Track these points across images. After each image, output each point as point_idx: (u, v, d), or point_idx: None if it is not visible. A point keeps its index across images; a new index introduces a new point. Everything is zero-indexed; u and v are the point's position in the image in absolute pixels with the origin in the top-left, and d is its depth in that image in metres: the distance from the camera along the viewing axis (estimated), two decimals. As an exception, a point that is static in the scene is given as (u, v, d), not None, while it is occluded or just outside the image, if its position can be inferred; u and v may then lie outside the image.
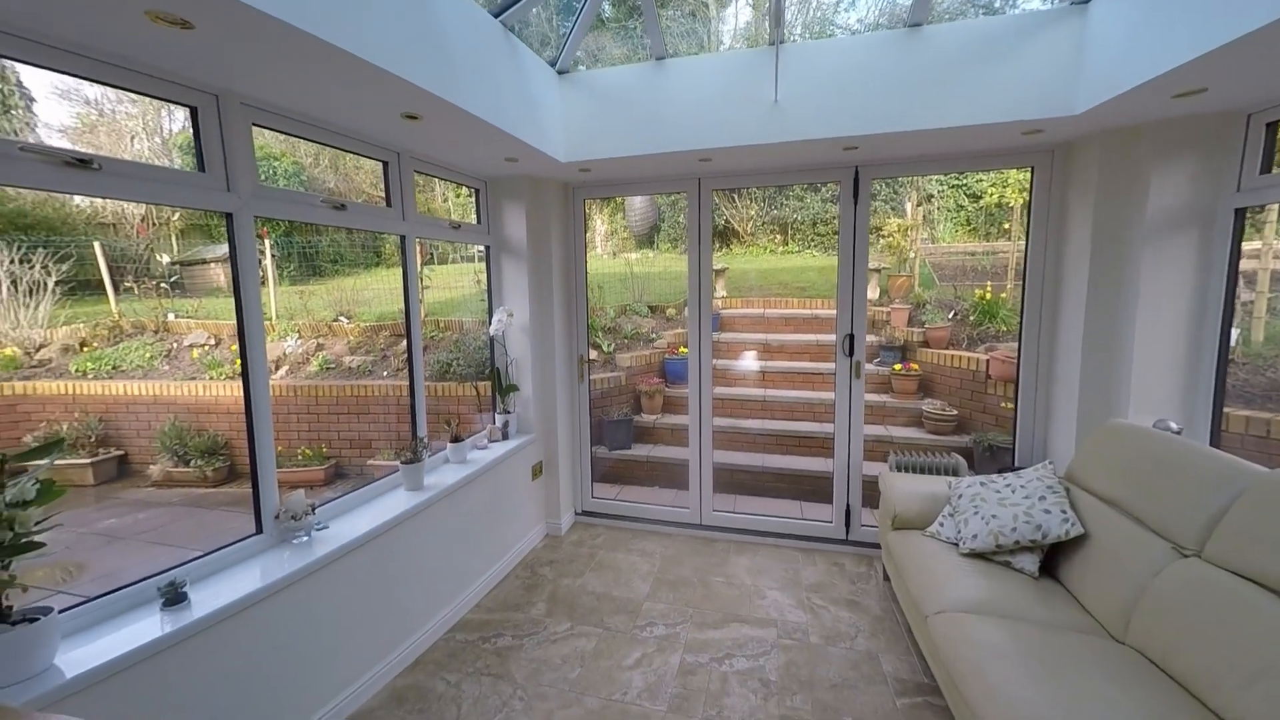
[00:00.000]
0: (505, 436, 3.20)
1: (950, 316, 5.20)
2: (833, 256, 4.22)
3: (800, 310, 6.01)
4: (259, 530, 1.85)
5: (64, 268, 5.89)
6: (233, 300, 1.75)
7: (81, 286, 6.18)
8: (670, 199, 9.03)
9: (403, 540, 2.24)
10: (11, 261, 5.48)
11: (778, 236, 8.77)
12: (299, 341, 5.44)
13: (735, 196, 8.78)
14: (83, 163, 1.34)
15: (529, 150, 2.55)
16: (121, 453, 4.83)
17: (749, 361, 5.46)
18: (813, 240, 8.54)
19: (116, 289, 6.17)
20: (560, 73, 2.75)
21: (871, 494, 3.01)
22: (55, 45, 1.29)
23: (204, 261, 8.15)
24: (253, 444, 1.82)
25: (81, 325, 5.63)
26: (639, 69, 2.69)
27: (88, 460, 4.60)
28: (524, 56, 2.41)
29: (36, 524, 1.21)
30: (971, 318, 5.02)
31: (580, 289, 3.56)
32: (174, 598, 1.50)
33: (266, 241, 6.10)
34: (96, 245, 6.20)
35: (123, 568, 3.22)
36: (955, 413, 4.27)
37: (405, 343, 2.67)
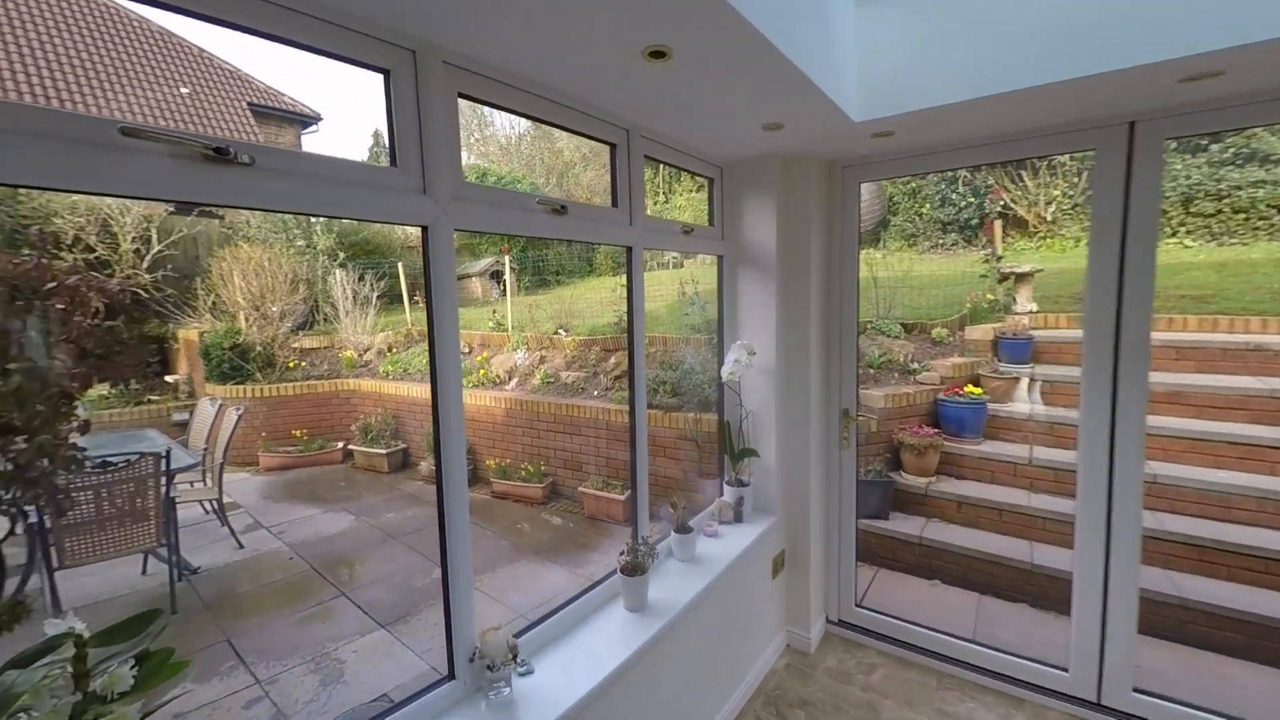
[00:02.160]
0: (738, 517, 2.37)
1: None
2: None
3: (1211, 335, 3.65)
4: (450, 675, 1.39)
5: (381, 284, 7.53)
6: (426, 322, 1.32)
7: (392, 300, 7.86)
8: (901, 188, 6.99)
9: (624, 691, 1.59)
10: (353, 281, 7.19)
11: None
12: (527, 354, 5.71)
13: (1023, 171, 6.25)
14: (221, 154, 0.88)
15: (814, 102, 1.62)
16: (405, 446, 5.76)
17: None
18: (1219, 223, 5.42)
19: (411, 302, 7.63)
20: (860, -16, 1.74)
21: None
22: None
23: (467, 276, 9.75)
24: (446, 561, 1.35)
25: (388, 333, 7.03)
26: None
27: (384, 451, 5.57)
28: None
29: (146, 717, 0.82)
30: None
31: (847, 316, 2.49)
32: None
33: (506, 258, 6.64)
34: (400, 265, 7.76)
35: (391, 573, 3.52)
36: None
37: (628, 393, 2.06)
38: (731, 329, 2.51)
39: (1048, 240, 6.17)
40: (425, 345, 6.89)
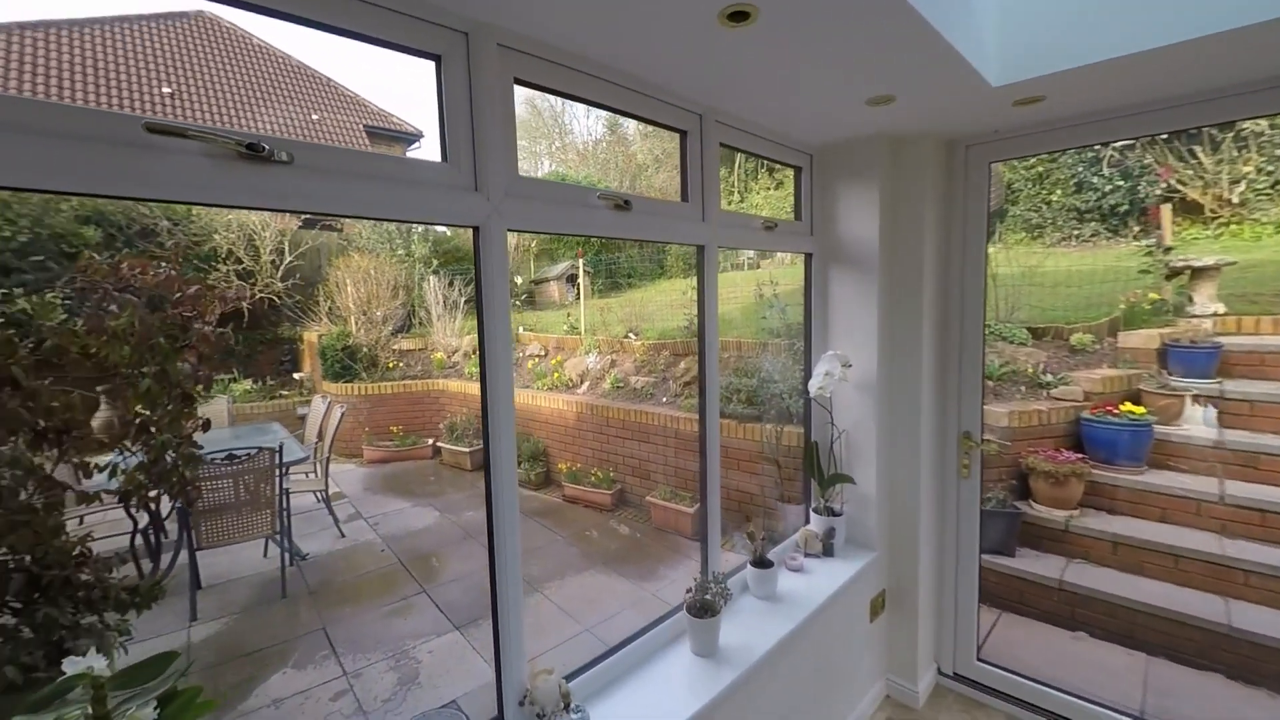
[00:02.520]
0: (828, 551, 2.08)
1: None
2: None
3: None
4: (500, 717, 1.29)
5: (469, 289, 7.99)
6: (482, 325, 1.22)
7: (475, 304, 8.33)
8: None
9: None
10: (443, 286, 7.69)
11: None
12: (598, 358, 5.70)
13: (1196, 146, 5.07)
14: (255, 151, 0.80)
15: (941, 64, 1.32)
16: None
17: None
18: None
19: (491, 308, 8.01)
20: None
21: None
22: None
23: (544, 280, 10.08)
24: (495, 591, 1.25)
25: (473, 335, 7.41)
26: None
27: (467, 449, 5.85)
28: None
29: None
30: None
31: (970, 322, 2.09)
32: None
33: (581, 261, 6.70)
34: (482, 275, 8.18)
35: (468, 572, 3.63)
36: None
37: (699, 401, 1.87)
38: (821, 337, 2.21)
39: (1232, 227, 4.96)
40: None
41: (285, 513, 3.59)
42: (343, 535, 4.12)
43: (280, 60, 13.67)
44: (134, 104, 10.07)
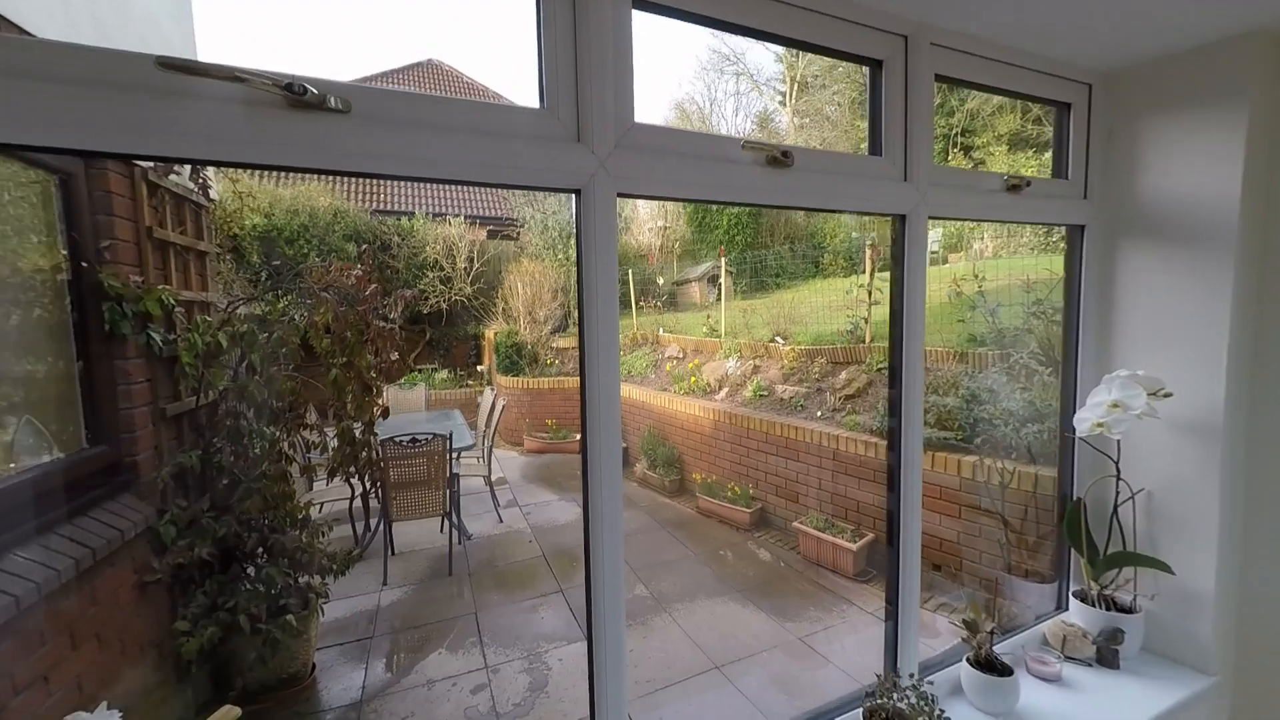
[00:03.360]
0: (1107, 661, 1.44)
1: None
2: None
3: None
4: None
5: (619, 289, 8.30)
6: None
7: (622, 305, 8.62)
8: None
9: None
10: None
11: None
12: (739, 362, 5.32)
13: None
14: (298, 95, 0.66)
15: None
16: (625, 445, 6.17)
17: None
18: None
19: (638, 307, 8.20)
20: None
21: None
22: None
23: (686, 281, 9.96)
24: (591, 632, 1.03)
25: (624, 334, 7.69)
26: None
27: (607, 445, 6.09)
28: None
29: None
30: None
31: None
32: None
33: (723, 260, 6.35)
34: (629, 272, 8.40)
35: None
36: None
37: (892, 422, 1.50)
38: (1098, 349, 1.55)
39: None
40: (647, 349, 7.31)
41: (456, 494, 4.13)
42: (501, 520, 4.59)
43: (481, 92, 16.06)
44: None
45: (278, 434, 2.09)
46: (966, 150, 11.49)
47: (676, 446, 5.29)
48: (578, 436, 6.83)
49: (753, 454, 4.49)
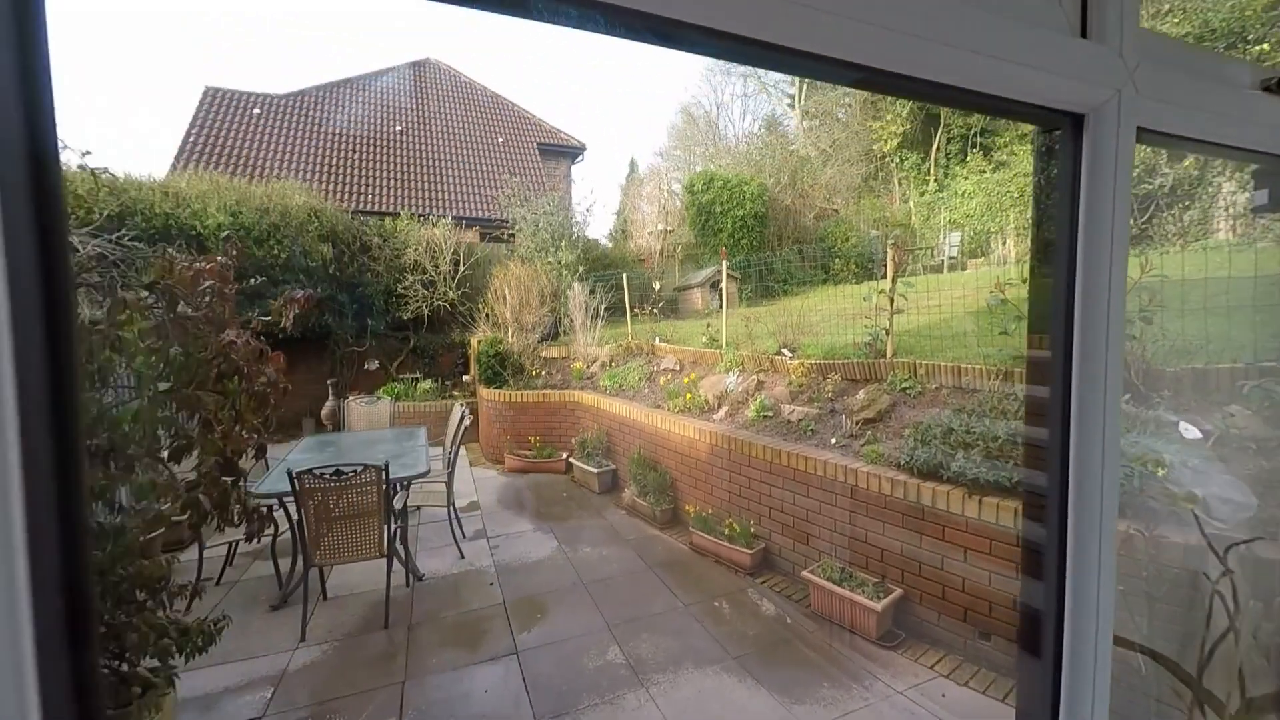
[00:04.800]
0: None
1: None
2: None
3: None
4: None
5: (609, 296, 7.73)
6: None
7: (615, 312, 8.04)
8: None
9: None
10: (584, 293, 7.56)
11: None
12: (740, 377, 4.70)
13: None
14: None
15: None
16: (614, 468, 5.55)
17: None
18: None
19: (633, 314, 7.61)
20: None
21: None
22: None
23: (687, 287, 9.38)
24: None
25: (611, 345, 7.09)
26: None
27: (596, 470, 5.46)
28: None
29: None
30: None
31: None
32: None
33: (724, 264, 5.76)
34: (625, 277, 7.83)
35: (565, 635, 3.09)
36: None
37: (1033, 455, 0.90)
38: None
39: None
40: (641, 360, 6.69)
41: (405, 529, 3.53)
42: (462, 556, 3.98)
43: (479, 90, 15.71)
44: (376, 141, 12.55)
45: (102, 479, 1.51)
46: (986, 151, 10.88)
47: (669, 472, 4.67)
48: (564, 455, 6.26)
49: (755, 485, 3.85)
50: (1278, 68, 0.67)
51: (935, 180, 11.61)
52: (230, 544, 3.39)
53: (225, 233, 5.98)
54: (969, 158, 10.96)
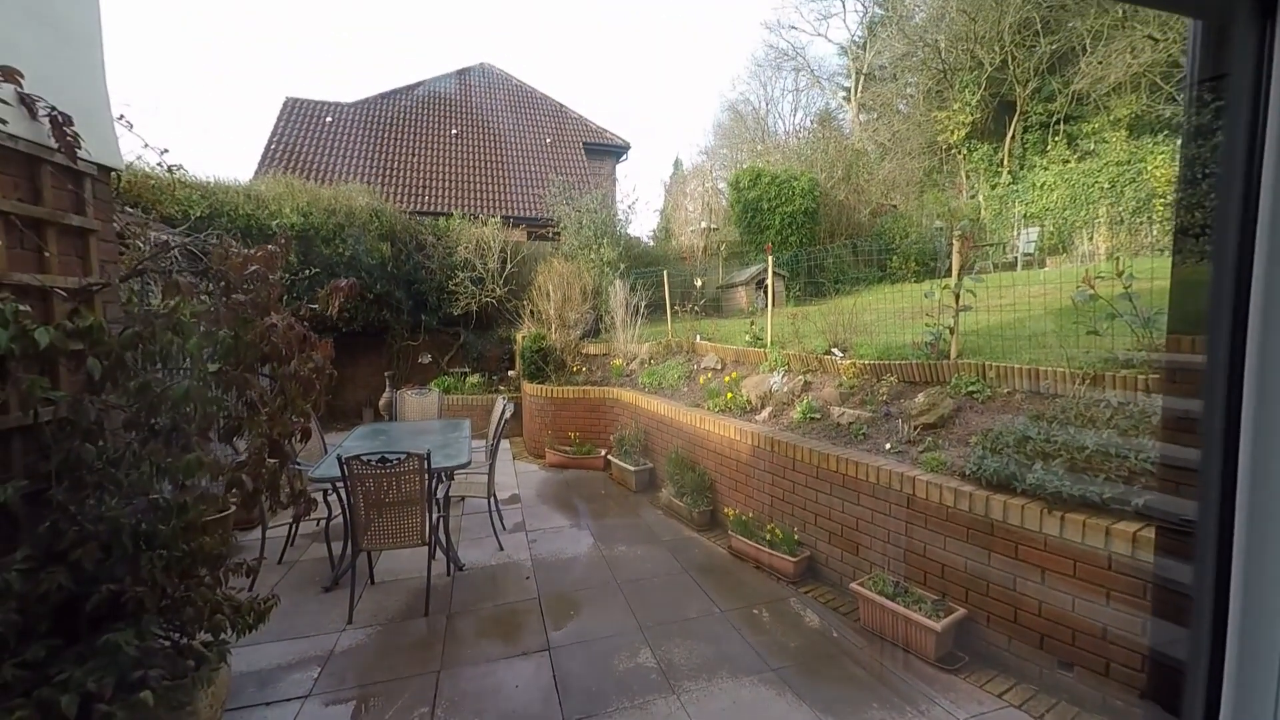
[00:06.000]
0: None
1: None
2: None
3: None
4: None
5: (650, 294, 7.65)
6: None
7: (655, 309, 7.94)
8: None
9: None
10: (625, 290, 7.53)
11: None
12: (785, 377, 4.48)
13: None
14: None
15: None
16: (651, 466, 5.47)
17: None
18: None
19: (673, 312, 7.49)
20: None
21: None
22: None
23: (733, 285, 9.13)
24: None
25: (652, 343, 7.01)
26: None
27: (633, 468, 5.41)
28: None
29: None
30: None
31: None
32: None
33: (770, 258, 5.54)
34: (664, 274, 7.72)
35: (597, 634, 3.04)
36: None
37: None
38: None
39: None
40: (681, 358, 6.56)
41: (446, 518, 3.61)
42: (501, 548, 4.04)
43: (529, 93, 16.10)
44: (433, 144, 13.16)
45: (174, 459, 1.60)
46: (1071, 140, 9.87)
47: (708, 472, 4.53)
48: (602, 452, 6.25)
49: (800, 490, 3.65)
50: None
51: (1009, 172, 10.71)
52: (290, 525, 3.59)
53: (276, 222, 6.38)
54: (1050, 147, 10.00)
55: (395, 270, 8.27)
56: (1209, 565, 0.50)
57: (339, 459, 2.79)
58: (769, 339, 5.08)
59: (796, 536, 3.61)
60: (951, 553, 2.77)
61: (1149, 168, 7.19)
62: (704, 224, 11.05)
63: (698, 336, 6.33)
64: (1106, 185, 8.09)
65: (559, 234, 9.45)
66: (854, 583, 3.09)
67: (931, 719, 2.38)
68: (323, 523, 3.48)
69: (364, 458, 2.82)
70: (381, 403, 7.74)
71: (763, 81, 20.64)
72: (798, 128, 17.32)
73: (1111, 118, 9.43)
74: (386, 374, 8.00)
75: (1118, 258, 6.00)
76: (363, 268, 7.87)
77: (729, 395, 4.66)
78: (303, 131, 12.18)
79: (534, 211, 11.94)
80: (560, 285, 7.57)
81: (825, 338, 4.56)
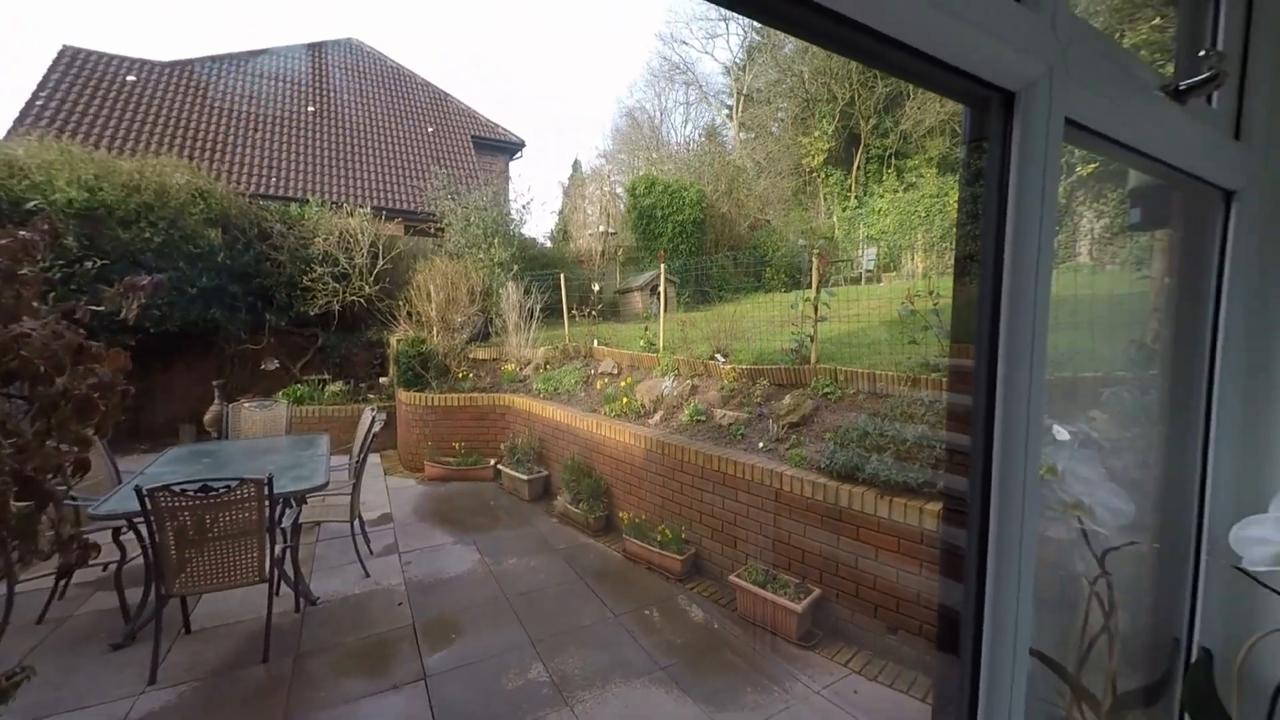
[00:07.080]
0: None
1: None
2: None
3: None
4: None
5: (545, 297, 7.47)
6: None
7: (552, 313, 7.79)
8: None
9: None
10: (519, 293, 7.25)
11: None
12: (675, 381, 4.69)
13: None
14: None
15: None
16: (546, 474, 5.32)
17: None
18: None
19: (570, 316, 7.40)
20: None
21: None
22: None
23: (628, 290, 9.34)
24: None
25: (547, 348, 6.84)
26: None
27: (526, 477, 5.20)
28: None
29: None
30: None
31: None
32: None
33: (662, 265, 5.76)
34: (562, 277, 7.60)
35: (483, 655, 2.84)
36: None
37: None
38: (1256, 399, 0.98)
39: None
40: (578, 363, 6.51)
41: (290, 549, 3.10)
42: (367, 575, 3.60)
43: (408, 76, 14.73)
44: (285, 122, 11.34)
45: None
46: (899, 172, 11.90)
47: (604, 478, 4.54)
48: (491, 461, 5.93)
49: (687, 490, 3.83)
50: (1170, 75, 0.69)
51: (855, 197, 12.53)
52: (55, 576, 2.79)
53: (32, 204, 4.94)
54: (885, 177, 11.89)
55: (229, 261, 6.96)
56: (975, 528, 0.63)
57: (137, 490, 2.24)
58: (661, 344, 5.27)
59: (684, 535, 3.78)
60: (810, 539, 3.11)
61: (950, 201, 8.96)
62: (602, 228, 11.13)
63: (595, 341, 6.33)
64: (923, 214, 9.88)
65: (442, 230, 8.78)
66: (733, 575, 3.32)
67: (795, 695, 2.63)
68: (112, 567, 2.77)
69: (175, 487, 2.29)
70: (207, 418, 6.43)
71: (657, 91, 21.44)
72: (688, 139, 18.32)
73: (927, 156, 11.56)
74: (215, 384, 6.66)
75: (929, 277, 7.34)
76: (181, 257, 6.50)
77: (624, 400, 4.73)
78: (90, 89, 9.68)
79: (413, 205, 10.95)
80: (444, 285, 7.04)
81: (710, 343, 4.87)
